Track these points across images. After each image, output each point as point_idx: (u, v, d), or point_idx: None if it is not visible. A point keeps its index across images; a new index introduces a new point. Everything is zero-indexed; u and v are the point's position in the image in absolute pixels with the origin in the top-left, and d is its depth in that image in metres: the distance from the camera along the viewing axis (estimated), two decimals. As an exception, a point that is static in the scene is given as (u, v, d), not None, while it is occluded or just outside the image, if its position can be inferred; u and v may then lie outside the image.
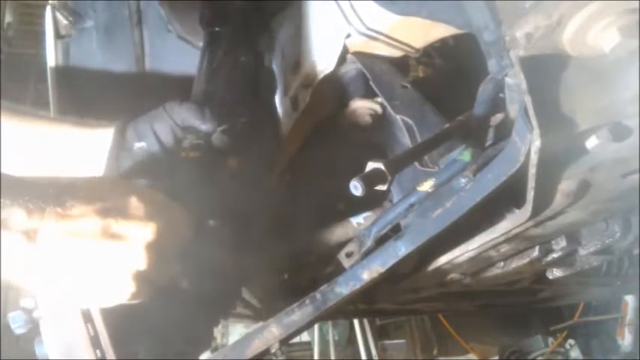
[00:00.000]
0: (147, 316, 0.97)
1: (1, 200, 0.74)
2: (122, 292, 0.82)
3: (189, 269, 0.97)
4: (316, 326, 4.19)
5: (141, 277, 0.82)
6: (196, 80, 1.30)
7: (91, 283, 0.81)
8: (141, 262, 0.80)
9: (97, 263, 0.79)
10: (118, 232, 0.79)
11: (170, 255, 0.86)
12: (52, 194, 0.78)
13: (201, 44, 1.43)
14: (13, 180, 0.78)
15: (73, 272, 0.79)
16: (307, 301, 1.01)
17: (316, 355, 4.29)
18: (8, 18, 5.37)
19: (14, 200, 0.75)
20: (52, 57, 1.60)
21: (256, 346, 1.00)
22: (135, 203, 0.82)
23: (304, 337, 4.36)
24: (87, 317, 0.95)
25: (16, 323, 0.99)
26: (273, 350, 1.01)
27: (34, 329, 1.00)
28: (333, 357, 4.29)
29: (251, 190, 1.22)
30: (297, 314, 1.01)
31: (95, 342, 0.95)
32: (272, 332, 1.01)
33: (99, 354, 0.94)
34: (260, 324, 1.02)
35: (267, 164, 1.44)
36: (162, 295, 0.90)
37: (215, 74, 1.30)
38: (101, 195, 0.81)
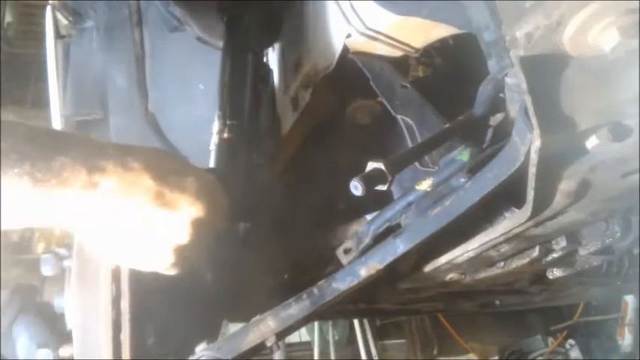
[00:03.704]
0: (165, 298, 0.99)
1: (62, 158, 0.74)
2: (160, 260, 0.84)
3: (214, 262, 0.99)
4: (316, 326, 4.19)
5: (180, 251, 0.83)
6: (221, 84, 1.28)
7: (135, 243, 0.82)
8: (184, 235, 0.82)
9: (145, 227, 0.81)
10: (169, 201, 0.81)
11: (208, 238, 0.88)
12: (113, 154, 0.79)
13: (220, 44, 1.42)
14: (72, 137, 0.80)
15: (120, 230, 0.80)
16: (304, 296, 1.01)
17: (316, 355, 4.29)
18: (8, 18, 5.37)
19: (75, 159, 0.75)
20: (52, 57, 1.60)
21: (252, 339, 1.00)
22: (190, 178, 0.84)
23: (304, 336, 4.36)
24: (115, 277, 0.98)
25: (47, 265, 1.03)
26: (269, 344, 1.01)
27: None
28: (333, 357, 4.29)
29: (253, 189, 1.23)
30: (294, 308, 1.01)
31: (115, 303, 0.97)
32: (268, 325, 1.01)
33: (114, 315, 0.96)
34: (257, 317, 1.03)
35: (268, 164, 1.44)
36: (184, 283, 0.91)
37: (242, 84, 1.29)
38: (161, 163, 0.83)
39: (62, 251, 1.05)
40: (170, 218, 0.81)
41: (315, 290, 1.00)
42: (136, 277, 0.96)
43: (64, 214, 0.77)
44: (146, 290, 0.98)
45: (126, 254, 0.84)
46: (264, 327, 1.01)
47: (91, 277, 1.00)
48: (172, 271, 0.87)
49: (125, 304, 0.97)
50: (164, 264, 0.85)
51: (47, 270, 1.05)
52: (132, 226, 0.80)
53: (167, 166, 0.84)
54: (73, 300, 1.01)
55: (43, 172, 0.73)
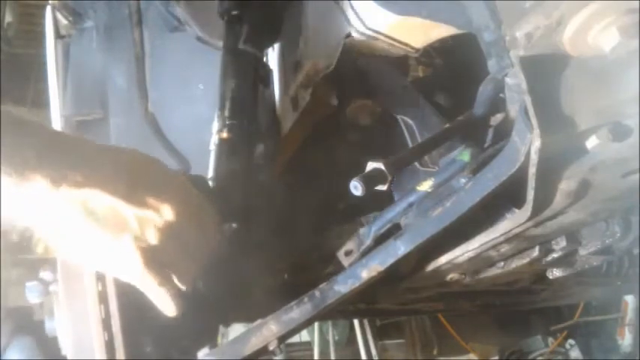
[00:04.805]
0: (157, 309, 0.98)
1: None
2: (130, 264, 0.82)
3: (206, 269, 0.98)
4: (316, 326, 4.19)
5: (148, 253, 0.82)
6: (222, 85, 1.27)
7: (103, 240, 0.80)
8: (151, 235, 0.81)
9: (111, 221, 0.79)
10: (140, 199, 0.80)
11: (197, 255, 0.87)
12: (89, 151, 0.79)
13: (220, 44, 1.41)
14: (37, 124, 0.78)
15: (88, 228, 0.79)
16: (306, 299, 1.01)
17: (316, 355, 4.29)
18: (8, 18, 5.37)
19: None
20: (52, 57, 1.60)
21: (254, 344, 1.00)
22: (170, 182, 0.84)
23: (304, 337, 4.36)
24: (102, 298, 0.97)
25: (32, 293, 1.01)
26: (271, 348, 1.01)
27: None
28: (333, 357, 4.29)
29: (253, 189, 1.23)
30: (296, 312, 1.00)
31: (106, 324, 0.96)
32: (270, 329, 1.00)
33: (107, 337, 0.95)
34: (259, 321, 1.02)
35: (268, 164, 1.44)
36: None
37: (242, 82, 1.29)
38: (135, 165, 0.82)
39: (47, 275, 1.03)
40: (138, 214, 0.79)
41: (317, 293, 1.00)
42: (125, 294, 0.94)
43: (27, 208, 0.76)
44: (137, 304, 0.95)
45: (96, 255, 0.82)
46: (267, 331, 1.00)
47: (78, 300, 0.98)
48: (154, 287, 0.84)
49: (116, 325, 0.96)
50: (135, 269, 0.82)
51: (33, 297, 1.04)
52: (100, 222, 0.78)
53: (143, 169, 0.83)
54: (64, 325, 0.99)
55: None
